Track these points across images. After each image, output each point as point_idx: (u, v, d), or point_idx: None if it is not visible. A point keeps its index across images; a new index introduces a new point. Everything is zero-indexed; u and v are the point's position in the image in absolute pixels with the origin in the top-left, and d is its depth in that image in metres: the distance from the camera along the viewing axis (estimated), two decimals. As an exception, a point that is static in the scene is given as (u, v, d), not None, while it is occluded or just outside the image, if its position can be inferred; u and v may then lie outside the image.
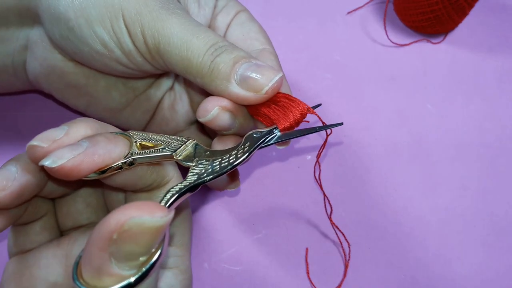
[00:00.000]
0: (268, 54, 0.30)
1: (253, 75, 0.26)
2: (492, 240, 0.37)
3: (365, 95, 0.41)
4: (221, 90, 0.26)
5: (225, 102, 0.27)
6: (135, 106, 0.33)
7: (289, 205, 0.37)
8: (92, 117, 0.27)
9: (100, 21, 0.26)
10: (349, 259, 0.34)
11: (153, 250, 0.19)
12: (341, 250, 0.35)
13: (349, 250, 0.35)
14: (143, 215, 0.18)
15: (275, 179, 0.38)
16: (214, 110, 0.27)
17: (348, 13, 0.45)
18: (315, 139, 0.39)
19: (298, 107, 0.27)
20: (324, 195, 0.33)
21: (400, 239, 0.36)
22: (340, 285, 0.34)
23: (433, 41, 0.45)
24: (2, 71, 0.32)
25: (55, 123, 0.35)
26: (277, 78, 0.26)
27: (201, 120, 0.27)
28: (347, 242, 0.34)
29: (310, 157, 0.38)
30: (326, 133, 0.29)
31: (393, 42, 0.44)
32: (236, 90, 0.26)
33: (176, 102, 0.33)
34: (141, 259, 0.19)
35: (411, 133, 0.40)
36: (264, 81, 0.26)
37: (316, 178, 0.37)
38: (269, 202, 0.37)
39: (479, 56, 0.45)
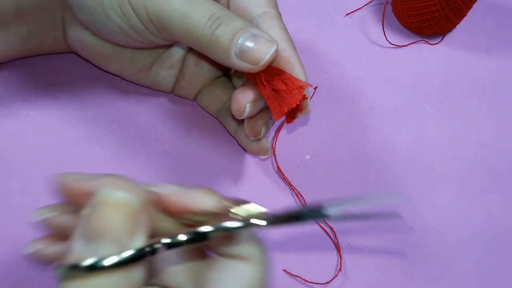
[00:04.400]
0: (269, 19, 0.31)
1: (250, 47, 0.27)
2: (491, 239, 0.37)
3: (363, 96, 0.42)
4: (224, 61, 0.29)
5: (251, 96, 0.30)
6: (160, 63, 0.36)
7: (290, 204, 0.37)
8: (124, 78, 0.37)
9: (111, 7, 0.29)
10: (338, 242, 0.35)
11: (126, 237, 0.17)
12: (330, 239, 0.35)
13: (336, 237, 0.35)
14: (115, 190, 0.18)
15: (274, 178, 0.38)
16: (247, 108, 0.30)
17: (347, 14, 0.46)
18: (315, 139, 0.40)
19: (292, 97, 0.28)
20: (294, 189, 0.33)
21: (399, 237, 0.37)
22: (336, 276, 0.34)
23: (431, 42, 0.45)
24: (46, 41, 0.36)
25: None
26: (272, 51, 0.28)
27: (238, 118, 0.31)
28: (333, 231, 0.35)
29: (309, 157, 0.39)
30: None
31: (391, 43, 0.44)
32: (236, 61, 0.28)
33: (200, 58, 0.36)
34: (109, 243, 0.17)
35: (409, 133, 0.40)
36: (260, 55, 0.27)
37: (282, 174, 0.38)
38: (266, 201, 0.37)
39: (477, 57, 0.45)
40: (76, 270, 0.17)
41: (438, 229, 0.37)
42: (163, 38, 0.31)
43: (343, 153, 0.39)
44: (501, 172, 0.39)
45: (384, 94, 0.42)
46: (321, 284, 0.34)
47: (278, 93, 0.29)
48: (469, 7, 0.42)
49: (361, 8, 0.46)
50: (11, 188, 0.35)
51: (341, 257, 0.35)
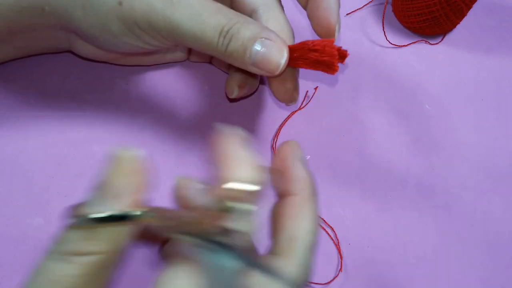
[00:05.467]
0: (274, 13, 0.32)
1: (263, 57, 0.28)
2: (491, 238, 0.37)
3: (363, 96, 0.42)
4: (245, 69, 0.29)
5: (239, 79, 0.35)
6: (172, 50, 0.38)
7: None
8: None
9: (122, 33, 0.29)
10: (338, 242, 0.35)
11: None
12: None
13: (336, 236, 0.35)
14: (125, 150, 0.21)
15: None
16: (236, 91, 0.35)
17: (347, 14, 0.46)
18: (315, 139, 0.40)
19: (329, 55, 0.29)
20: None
21: (399, 238, 0.37)
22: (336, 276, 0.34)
23: (431, 42, 0.45)
24: (46, 49, 0.36)
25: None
26: (285, 55, 0.28)
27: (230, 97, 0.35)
28: (334, 231, 0.35)
29: (309, 157, 0.39)
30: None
31: (391, 43, 0.44)
32: (255, 70, 0.29)
33: None
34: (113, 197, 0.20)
35: (409, 133, 0.40)
36: (275, 63, 0.28)
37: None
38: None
39: (477, 56, 0.45)
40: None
41: (438, 229, 0.37)
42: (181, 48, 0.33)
43: (343, 153, 0.39)
44: (501, 172, 0.39)
45: (384, 94, 0.42)
46: (321, 284, 0.34)
47: (316, 61, 0.29)
48: (469, 7, 0.42)
49: (361, 8, 0.46)
50: (11, 188, 0.35)
51: (341, 257, 0.35)
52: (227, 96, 0.37)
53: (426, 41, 0.45)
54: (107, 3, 0.28)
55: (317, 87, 0.41)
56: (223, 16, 0.28)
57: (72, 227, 0.20)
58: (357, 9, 0.46)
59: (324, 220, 0.36)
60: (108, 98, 0.38)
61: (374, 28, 0.45)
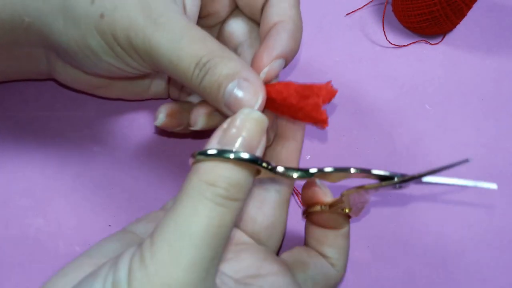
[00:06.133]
0: (281, 35, 0.29)
1: (236, 99, 0.25)
2: (490, 238, 0.37)
3: (363, 96, 0.42)
4: (217, 107, 0.27)
5: (204, 110, 0.30)
6: (156, 82, 0.36)
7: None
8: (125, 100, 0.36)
9: (101, 49, 0.27)
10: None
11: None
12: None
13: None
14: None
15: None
16: (200, 120, 0.30)
17: (347, 14, 0.46)
18: (315, 139, 0.40)
19: (316, 108, 0.26)
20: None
21: (399, 237, 0.37)
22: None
23: (432, 42, 0.45)
24: (27, 72, 0.34)
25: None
26: (259, 101, 0.26)
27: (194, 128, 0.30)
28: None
29: (310, 157, 0.39)
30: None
31: (391, 43, 0.44)
32: (227, 111, 0.26)
33: None
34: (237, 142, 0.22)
35: (409, 133, 0.40)
36: (247, 107, 0.26)
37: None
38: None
39: (477, 56, 0.45)
40: (204, 155, 0.21)
41: (438, 230, 0.37)
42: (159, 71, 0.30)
43: (343, 153, 0.39)
44: (501, 172, 0.39)
45: (384, 94, 0.42)
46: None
47: (300, 113, 0.26)
48: (469, 7, 0.42)
49: (361, 8, 0.46)
50: (12, 188, 0.35)
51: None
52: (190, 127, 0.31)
53: (426, 41, 0.45)
54: (88, 15, 0.26)
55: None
56: (204, 47, 0.26)
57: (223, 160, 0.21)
58: (357, 9, 0.46)
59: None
60: (107, 101, 0.39)
61: (374, 28, 0.45)
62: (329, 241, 0.31)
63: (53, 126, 0.37)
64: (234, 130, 0.22)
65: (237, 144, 0.22)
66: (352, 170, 0.25)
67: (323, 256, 0.31)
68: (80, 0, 0.27)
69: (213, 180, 0.21)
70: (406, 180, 0.24)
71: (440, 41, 0.45)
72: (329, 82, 0.26)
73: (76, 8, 0.27)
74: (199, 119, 0.29)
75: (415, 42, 0.45)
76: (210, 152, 0.21)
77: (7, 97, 0.38)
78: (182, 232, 0.20)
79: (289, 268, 0.29)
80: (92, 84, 0.34)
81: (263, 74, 0.28)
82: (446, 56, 0.44)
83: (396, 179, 0.24)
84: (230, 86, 0.25)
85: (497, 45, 0.46)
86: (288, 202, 0.32)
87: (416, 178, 0.24)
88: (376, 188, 0.25)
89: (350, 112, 0.41)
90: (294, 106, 0.26)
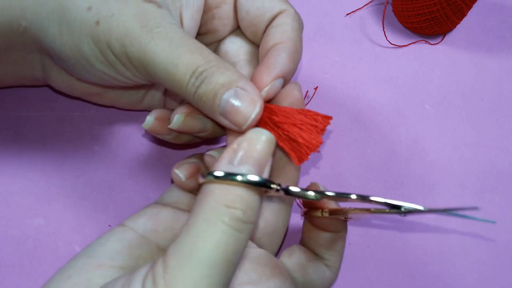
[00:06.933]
0: (278, 57, 0.29)
1: (233, 108, 0.25)
2: (491, 239, 0.37)
3: (363, 96, 0.42)
4: (211, 116, 0.27)
5: (183, 109, 0.29)
6: (151, 94, 0.35)
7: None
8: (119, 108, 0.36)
9: (94, 57, 0.27)
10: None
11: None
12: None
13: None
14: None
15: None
16: (175, 119, 0.29)
17: (347, 14, 0.46)
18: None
19: (304, 146, 0.26)
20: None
21: (399, 238, 0.37)
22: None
23: (432, 42, 0.45)
24: (22, 77, 0.34)
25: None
26: (256, 111, 0.26)
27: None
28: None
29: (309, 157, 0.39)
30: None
31: (391, 43, 0.44)
32: (223, 120, 0.26)
33: None
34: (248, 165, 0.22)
35: (409, 133, 0.40)
36: (243, 116, 0.26)
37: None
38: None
39: (477, 56, 0.45)
40: (215, 176, 0.22)
41: (438, 229, 0.37)
42: (152, 82, 0.29)
43: (343, 153, 0.39)
44: (501, 172, 0.40)
45: (384, 94, 0.42)
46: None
47: (293, 140, 0.26)
48: (469, 7, 0.42)
49: (361, 8, 0.46)
50: (12, 189, 0.35)
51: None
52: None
53: (426, 41, 0.45)
54: (84, 21, 0.26)
55: (317, 87, 0.41)
56: (201, 56, 0.26)
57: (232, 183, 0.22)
58: (357, 9, 0.46)
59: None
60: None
61: (374, 28, 0.45)
62: (327, 244, 0.31)
63: (53, 126, 0.37)
64: (243, 151, 0.22)
65: (247, 166, 0.22)
66: (353, 197, 0.25)
67: (320, 257, 0.31)
68: (77, 6, 0.26)
69: (232, 202, 0.21)
70: (412, 211, 0.25)
71: (440, 41, 0.45)
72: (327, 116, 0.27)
73: (72, 13, 0.26)
74: (176, 116, 0.29)
75: (415, 42, 0.45)
76: (218, 174, 0.21)
77: (7, 97, 0.38)
78: (198, 259, 0.20)
79: (289, 272, 0.29)
80: (86, 91, 0.34)
81: (264, 93, 0.28)
82: (446, 56, 0.44)
83: (402, 209, 0.25)
84: (226, 94, 0.25)
85: (497, 45, 0.46)
86: (290, 208, 0.32)
87: (422, 212, 0.25)
88: (382, 213, 0.26)
89: (350, 112, 0.41)
90: (289, 122, 0.26)
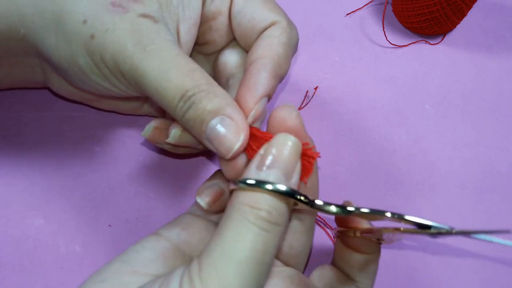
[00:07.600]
0: (262, 73, 0.29)
1: (218, 136, 0.25)
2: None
3: (364, 96, 0.42)
4: (199, 140, 0.27)
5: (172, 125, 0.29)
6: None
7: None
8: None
9: (89, 69, 0.27)
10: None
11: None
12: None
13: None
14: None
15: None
16: (172, 132, 0.29)
17: (347, 14, 0.46)
18: (315, 139, 0.40)
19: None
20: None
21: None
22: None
23: (432, 42, 0.45)
24: (22, 80, 0.34)
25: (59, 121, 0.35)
26: (241, 140, 0.26)
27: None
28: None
29: (309, 157, 0.39)
30: None
31: (391, 43, 0.44)
32: (208, 145, 0.26)
33: None
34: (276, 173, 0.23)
35: (409, 133, 0.40)
36: (228, 146, 0.26)
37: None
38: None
39: (477, 56, 0.45)
40: (246, 184, 0.23)
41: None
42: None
43: (343, 153, 0.39)
44: (501, 172, 0.40)
45: (384, 94, 0.42)
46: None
47: None
48: (469, 7, 0.42)
49: (361, 8, 0.46)
50: (12, 188, 0.35)
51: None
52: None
53: (426, 41, 0.45)
54: (79, 34, 0.26)
55: (317, 87, 0.41)
56: (191, 80, 0.26)
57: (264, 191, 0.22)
58: (357, 9, 0.46)
59: (324, 220, 0.36)
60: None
61: (374, 28, 0.45)
62: (359, 265, 0.30)
63: (54, 126, 0.37)
64: (271, 157, 0.23)
65: (274, 174, 0.23)
66: (388, 214, 0.25)
67: (351, 279, 0.30)
68: (72, 18, 0.26)
69: (255, 202, 0.22)
70: (442, 233, 0.24)
71: (440, 41, 0.45)
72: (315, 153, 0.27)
73: (68, 25, 0.27)
74: (173, 131, 0.29)
75: (415, 42, 0.45)
76: (249, 182, 0.23)
77: (8, 98, 0.38)
78: (229, 257, 0.21)
79: None
80: (85, 97, 0.34)
81: (250, 118, 0.28)
82: (446, 56, 0.44)
83: (432, 229, 0.24)
84: (213, 121, 0.25)
85: (497, 45, 0.46)
86: (313, 229, 0.31)
87: (454, 234, 0.24)
88: (412, 233, 0.25)
89: (350, 112, 0.41)
90: None
